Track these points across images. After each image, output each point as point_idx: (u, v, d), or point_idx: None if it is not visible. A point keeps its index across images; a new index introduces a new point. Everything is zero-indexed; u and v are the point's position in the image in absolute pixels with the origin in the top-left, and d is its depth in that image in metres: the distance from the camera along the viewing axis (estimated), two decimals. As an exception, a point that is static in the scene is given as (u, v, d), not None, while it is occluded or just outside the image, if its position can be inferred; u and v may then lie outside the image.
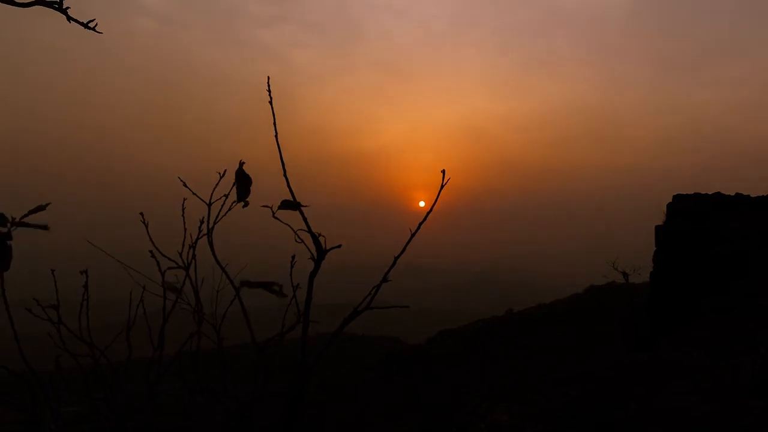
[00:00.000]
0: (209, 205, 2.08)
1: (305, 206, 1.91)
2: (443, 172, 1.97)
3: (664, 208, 18.01)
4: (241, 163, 1.96)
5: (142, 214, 2.14)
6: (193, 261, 2.06)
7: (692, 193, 17.69)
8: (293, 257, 2.06)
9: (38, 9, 1.61)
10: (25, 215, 1.50)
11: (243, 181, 1.95)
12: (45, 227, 1.53)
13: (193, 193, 2.11)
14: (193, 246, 2.06)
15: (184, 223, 2.12)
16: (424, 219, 2.01)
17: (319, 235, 1.92)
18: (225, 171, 2.01)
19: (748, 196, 17.06)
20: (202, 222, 2.08)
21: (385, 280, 1.97)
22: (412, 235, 2.00)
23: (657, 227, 17.97)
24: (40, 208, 1.53)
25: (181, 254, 2.06)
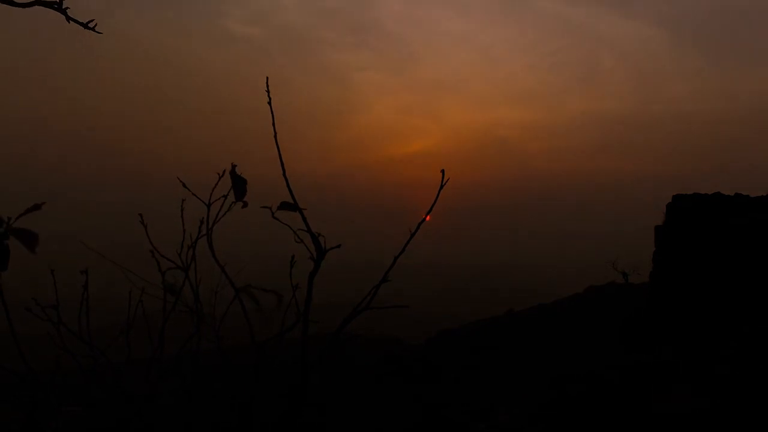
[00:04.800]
0: (208, 205, 2.08)
1: (304, 209, 1.91)
2: (443, 171, 1.97)
3: (664, 208, 17.99)
4: (234, 166, 1.98)
5: (141, 215, 2.14)
6: (193, 262, 2.06)
7: (692, 193, 17.68)
8: (293, 257, 2.06)
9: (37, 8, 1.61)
10: (21, 215, 1.49)
11: (238, 183, 1.98)
12: (35, 238, 1.48)
13: (193, 194, 2.11)
14: (192, 246, 2.06)
15: (183, 223, 2.12)
16: (424, 219, 2.02)
17: (319, 235, 1.92)
18: (224, 171, 2.01)
19: (748, 196, 17.04)
20: (201, 222, 2.08)
21: (385, 280, 1.97)
22: (412, 235, 2.01)
23: (657, 227, 17.96)
24: (36, 207, 1.52)
25: (180, 255, 2.06)
